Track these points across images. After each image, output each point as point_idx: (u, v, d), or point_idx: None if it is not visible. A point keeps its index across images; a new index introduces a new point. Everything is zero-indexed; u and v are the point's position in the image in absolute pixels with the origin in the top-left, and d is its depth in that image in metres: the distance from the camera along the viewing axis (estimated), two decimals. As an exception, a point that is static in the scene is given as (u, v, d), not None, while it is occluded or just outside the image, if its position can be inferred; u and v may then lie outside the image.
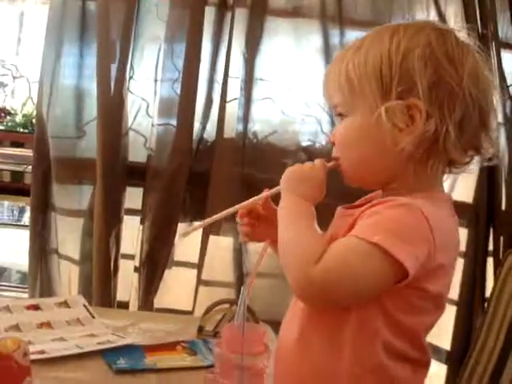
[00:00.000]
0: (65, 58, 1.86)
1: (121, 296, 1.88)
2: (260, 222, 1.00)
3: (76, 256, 1.90)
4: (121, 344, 1.25)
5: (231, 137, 1.88)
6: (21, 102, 3.26)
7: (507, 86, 1.88)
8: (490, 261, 1.88)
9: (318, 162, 0.92)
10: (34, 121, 2.00)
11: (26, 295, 2.10)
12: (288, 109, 1.91)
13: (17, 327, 1.28)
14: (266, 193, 0.97)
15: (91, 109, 1.85)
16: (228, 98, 1.87)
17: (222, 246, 1.91)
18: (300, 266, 0.81)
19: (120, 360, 1.18)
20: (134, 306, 1.87)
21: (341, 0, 1.86)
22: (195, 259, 1.89)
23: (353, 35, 1.90)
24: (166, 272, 1.87)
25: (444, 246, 0.83)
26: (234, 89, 1.87)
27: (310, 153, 1.90)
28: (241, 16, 1.85)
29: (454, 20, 1.84)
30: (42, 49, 1.87)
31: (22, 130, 3.20)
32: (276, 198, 0.94)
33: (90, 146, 1.85)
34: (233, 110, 1.88)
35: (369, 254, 0.79)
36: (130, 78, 1.87)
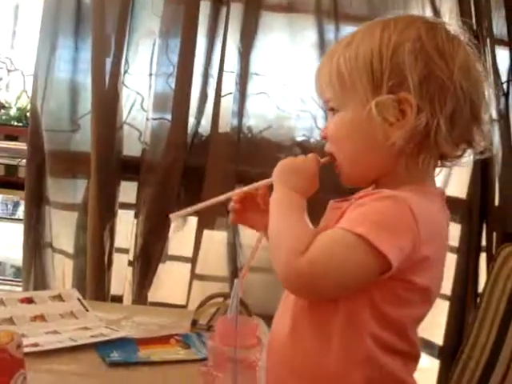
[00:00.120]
0: (60, 51, 1.86)
1: (115, 290, 1.88)
2: (256, 210, 1.00)
3: (70, 250, 1.90)
4: (114, 337, 1.25)
5: (226, 131, 1.88)
6: (15, 95, 3.25)
7: (501, 83, 1.89)
8: (483, 256, 1.89)
9: (310, 155, 0.93)
10: (28, 114, 1.99)
11: (20, 289, 2.10)
12: (283, 104, 1.91)
13: (10, 320, 1.28)
14: (259, 182, 0.97)
15: (86, 102, 1.85)
16: (223, 93, 1.86)
17: (216, 240, 1.91)
18: (286, 256, 0.82)
19: (113, 353, 1.19)
20: (127, 299, 1.88)
21: (336, -5, 1.86)
22: (189, 253, 1.89)
23: (348, 30, 1.89)
24: (160, 266, 1.88)
25: (430, 238, 0.83)
26: (229, 83, 1.87)
27: (304, 148, 1.90)
28: (236, 11, 1.85)
29: (449, 16, 1.84)
30: (36, 42, 1.86)
31: (16, 123, 3.19)
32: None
33: (84, 139, 1.85)
34: (228, 104, 1.88)
35: (353, 245, 0.80)
36: (125, 72, 1.86)
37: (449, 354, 1.81)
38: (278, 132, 1.92)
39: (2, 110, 3.20)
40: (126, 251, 1.90)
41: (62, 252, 1.91)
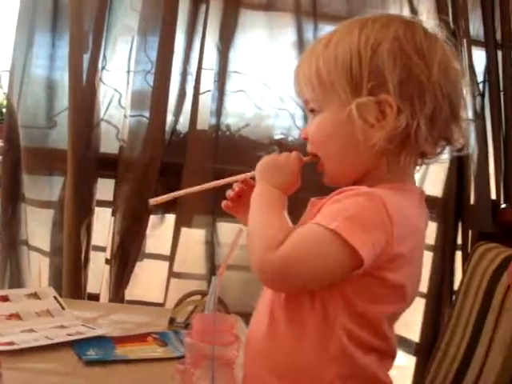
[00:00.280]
0: (36, 47, 1.83)
1: (91, 288, 1.87)
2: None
3: (46, 248, 1.88)
4: (91, 335, 1.25)
5: (204, 129, 1.88)
6: (-9, 91, 3.21)
7: (477, 83, 1.91)
8: (459, 254, 1.91)
9: (294, 153, 0.94)
10: (3, 110, 1.96)
11: (-6, 287, 2.07)
12: (261, 102, 1.91)
13: (-15, 318, 1.27)
14: (242, 175, 0.99)
15: (63, 99, 1.83)
16: (201, 91, 1.86)
17: (193, 238, 1.90)
18: (262, 250, 0.83)
19: (90, 351, 1.18)
20: (104, 298, 1.86)
21: (315, -6, 1.87)
22: (167, 251, 1.88)
23: (327, 30, 1.88)
24: (138, 264, 1.86)
25: (404, 235, 0.84)
26: (208, 81, 1.87)
27: (282, 146, 1.90)
28: (215, 8, 1.84)
29: (427, 16, 1.86)
30: (13, 39, 1.84)
31: (-9, 120, 3.16)
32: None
33: (61, 136, 1.83)
34: (206, 102, 1.87)
35: (326, 240, 0.80)
36: (103, 68, 1.85)
37: (425, 351, 1.83)
38: (256, 130, 1.92)
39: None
40: (102, 249, 1.89)
41: (37, 250, 1.89)
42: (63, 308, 1.38)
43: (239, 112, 1.92)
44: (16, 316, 1.31)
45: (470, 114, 1.85)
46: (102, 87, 1.86)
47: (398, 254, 0.84)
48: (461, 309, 1.40)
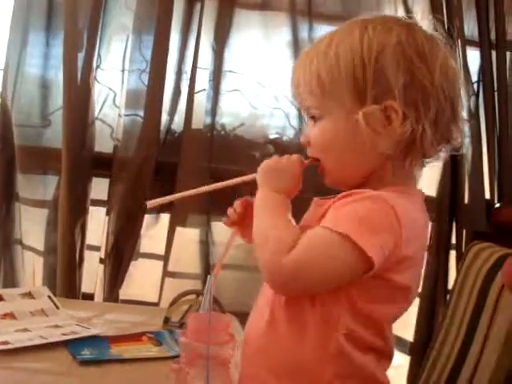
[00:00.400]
0: (30, 46, 1.83)
1: (86, 288, 1.86)
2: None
3: (40, 247, 1.88)
4: (86, 335, 1.24)
5: (199, 128, 1.88)
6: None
7: (472, 83, 1.92)
8: (453, 254, 1.91)
9: (295, 156, 0.93)
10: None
11: (-12, 287, 2.07)
12: (256, 102, 1.91)
13: (-21, 318, 1.27)
14: (240, 178, 0.96)
15: (57, 98, 1.82)
16: (196, 90, 1.86)
17: (188, 237, 1.90)
18: (272, 255, 0.82)
19: (85, 351, 1.18)
20: (99, 297, 1.86)
21: (310, -6, 1.87)
22: (161, 251, 1.88)
23: (322, 29, 1.90)
24: (132, 264, 1.86)
25: (411, 238, 0.84)
26: (203, 80, 1.86)
27: (277, 146, 1.91)
28: (210, 7, 1.84)
29: (421, 16, 1.86)
30: (7, 37, 1.83)
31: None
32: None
33: (55, 135, 1.82)
34: (201, 101, 1.87)
35: (337, 244, 0.80)
36: (97, 67, 1.84)
37: (419, 351, 1.83)
38: (251, 130, 1.92)
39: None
40: (97, 248, 1.88)
41: (32, 249, 1.88)
42: (57, 307, 1.38)
43: (234, 111, 1.92)
44: (10, 315, 1.30)
45: (465, 114, 1.85)
46: (97, 86, 1.85)
47: (406, 257, 0.84)
48: (455, 308, 1.41)
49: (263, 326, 0.91)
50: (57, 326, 1.29)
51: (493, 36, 1.90)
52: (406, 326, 1.88)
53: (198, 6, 1.84)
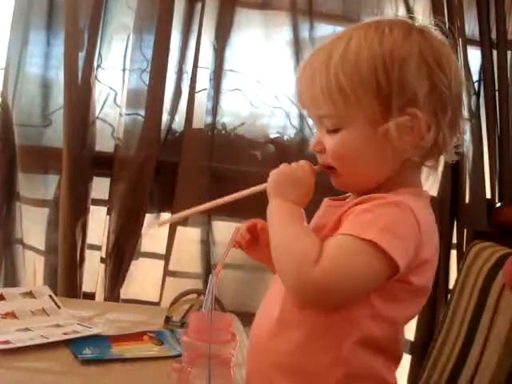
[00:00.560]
0: (31, 45, 1.83)
1: (87, 287, 1.86)
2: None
3: (41, 246, 1.88)
4: (87, 334, 1.24)
5: (200, 128, 1.88)
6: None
7: (473, 82, 1.92)
8: (454, 253, 1.91)
9: (305, 163, 0.92)
10: (-2, 109, 1.96)
11: (-11, 286, 2.07)
12: (257, 101, 1.91)
13: (-20, 317, 1.27)
14: (251, 189, 0.94)
15: (58, 97, 1.82)
16: (197, 89, 1.86)
17: (189, 237, 1.90)
18: (297, 267, 0.81)
19: (86, 350, 1.18)
20: (100, 297, 1.86)
21: (310, -7, 1.87)
22: (162, 250, 1.88)
23: (322, 29, 1.90)
24: (133, 263, 1.86)
25: (428, 241, 0.85)
26: (204, 80, 1.86)
27: (278, 145, 1.91)
28: (211, 7, 1.84)
29: (422, 15, 1.86)
30: (7, 37, 1.83)
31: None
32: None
33: (56, 134, 1.82)
34: (202, 101, 1.87)
35: (364, 252, 0.80)
36: (98, 66, 1.84)
37: (420, 350, 1.84)
38: (251, 129, 1.92)
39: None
40: (98, 248, 1.88)
41: (32, 248, 1.89)
42: (59, 307, 1.38)
43: (235, 111, 1.92)
44: (11, 315, 1.30)
45: (466, 113, 1.85)
46: (98, 85, 1.85)
47: (425, 260, 0.85)
48: (456, 308, 1.40)
49: (272, 326, 0.90)
50: (58, 326, 1.29)
51: (494, 35, 1.90)
52: (406, 325, 1.87)
53: (198, 6, 1.84)
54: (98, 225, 1.87)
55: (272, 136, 1.93)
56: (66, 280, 1.80)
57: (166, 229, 1.88)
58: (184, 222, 1.89)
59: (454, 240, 1.91)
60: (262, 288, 1.76)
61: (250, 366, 0.93)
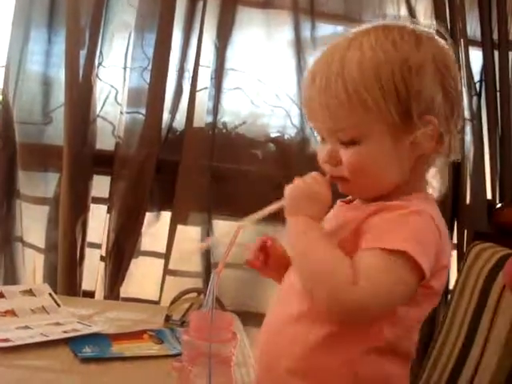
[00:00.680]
0: (32, 43, 1.83)
1: (86, 285, 1.86)
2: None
3: (41, 244, 1.88)
4: (87, 332, 1.24)
5: (200, 126, 1.87)
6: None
7: (474, 83, 1.92)
8: (454, 254, 1.91)
9: (318, 176, 0.90)
10: (-1, 106, 1.96)
11: (-11, 284, 2.06)
12: (258, 100, 1.91)
13: (-20, 315, 1.27)
14: (270, 207, 0.90)
15: (58, 95, 1.82)
16: (198, 88, 1.85)
17: (189, 235, 1.90)
18: (335, 289, 0.81)
19: (86, 348, 1.18)
20: (99, 295, 1.86)
21: (312, -8, 1.87)
22: (162, 249, 1.88)
23: (324, 28, 1.90)
24: (133, 261, 1.86)
25: (446, 247, 0.87)
26: (205, 78, 1.86)
27: (279, 144, 1.91)
28: (212, 5, 1.84)
29: (424, 16, 1.86)
30: (8, 34, 1.83)
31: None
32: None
33: (56, 132, 1.82)
34: (203, 99, 1.87)
35: (397, 264, 0.80)
36: (99, 64, 1.84)
37: (420, 350, 1.83)
38: (252, 128, 1.92)
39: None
40: (98, 246, 1.88)
41: (32, 246, 1.88)
42: (58, 305, 1.38)
43: (236, 110, 1.92)
44: (11, 312, 1.30)
45: (467, 114, 1.85)
46: (99, 83, 1.85)
47: (444, 265, 0.87)
48: (456, 308, 1.40)
49: (286, 321, 0.90)
50: (58, 324, 1.29)
51: (495, 36, 1.90)
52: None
53: (200, 4, 1.83)
54: (98, 223, 1.87)
55: (273, 135, 1.93)
56: (65, 278, 1.80)
57: (166, 227, 1.87)
58: (184, 220, 1.89)
59: (455, 241, 1.91)
60: (262, 288, 1.76)
61: (261, 362, 0.93)
